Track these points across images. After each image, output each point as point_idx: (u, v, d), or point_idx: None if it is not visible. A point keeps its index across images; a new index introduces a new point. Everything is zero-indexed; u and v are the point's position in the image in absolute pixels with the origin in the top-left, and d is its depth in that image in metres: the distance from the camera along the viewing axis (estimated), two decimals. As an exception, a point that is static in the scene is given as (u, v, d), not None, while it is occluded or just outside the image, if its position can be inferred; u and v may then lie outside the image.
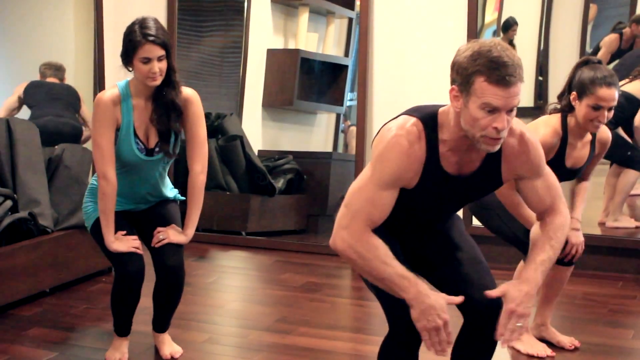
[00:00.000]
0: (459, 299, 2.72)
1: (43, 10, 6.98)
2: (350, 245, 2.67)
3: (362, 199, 2.67)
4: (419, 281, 2.66)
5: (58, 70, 6.63)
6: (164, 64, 3.74)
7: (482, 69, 2.51)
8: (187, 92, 3.89)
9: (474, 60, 2.53)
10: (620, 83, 5.59)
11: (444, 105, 2.72)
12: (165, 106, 3.81)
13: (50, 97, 6.35)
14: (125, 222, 3.95)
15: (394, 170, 2.65)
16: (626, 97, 5.58)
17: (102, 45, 6.80)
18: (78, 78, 6.85)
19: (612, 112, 3.79)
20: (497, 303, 2.79)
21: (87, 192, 4.02)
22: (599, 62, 3.87)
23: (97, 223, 3.88)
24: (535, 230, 2.92)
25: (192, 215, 3.99)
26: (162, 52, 3.71)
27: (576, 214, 4.04)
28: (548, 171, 2.84)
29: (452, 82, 2.61)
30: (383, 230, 2.77)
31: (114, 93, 3.80)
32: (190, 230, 3.97)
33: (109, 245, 3.82)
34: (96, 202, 3.88)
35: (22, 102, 6.40)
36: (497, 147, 2.63)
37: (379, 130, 2.77)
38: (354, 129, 7.08)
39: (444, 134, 2.69)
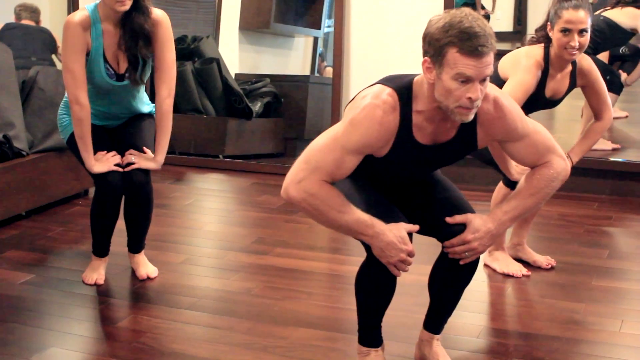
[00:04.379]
0: (416, 227, 2.76)
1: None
2: (304, 198, 2.65)
3: (327, 159, 2.65)
4: (376, 221, 2.68)
5: (34, 12, 6.53)
6: None
7: (454, 40, 2.49)
8: (157, 13, 3.81)
9: (445, 31, 2.51)
10: (600, 10, 5.56)
11: (418, 75, 2.70)
12: (133, 32, 3.74)
13: (25, 39, 6.25)
14: (105, 135, 3.95)
15: (364, 138, 2.64)
16: (607, 23, 5.55)
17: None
18: (53, 21, 6.75)
19: (586, 36, 3.75)
20: None
21: (62, 104, 3.98)
22: None
23: (73, 136, 3.85)
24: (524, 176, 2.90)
25: (161, 141, 3.92)
26: None
27: (572, 151, 4.01)
28: (533, 129, 2.80)
29: (425, 53, 2.59)
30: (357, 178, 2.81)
31: (84, 16, 3.71)
32: (161, 156, 3.91)
33: (90, 168, 3.80)
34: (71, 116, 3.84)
35: None
36: (472, 116, 2.61)
37: (354, 97, 2.76)
38: (329, 69, 7.02)
39: (419, 105, 2.68)
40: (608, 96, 4.03)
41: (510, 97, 2.81)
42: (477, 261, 2.90)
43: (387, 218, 2.73)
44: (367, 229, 2.68)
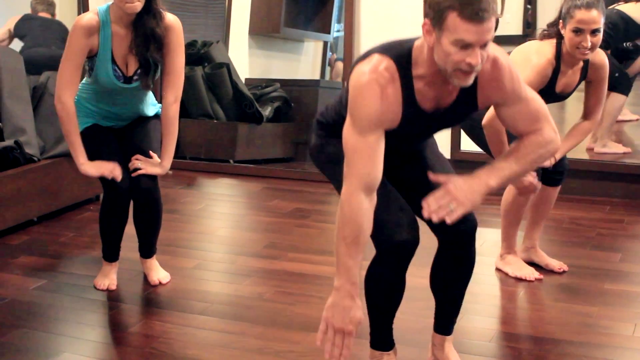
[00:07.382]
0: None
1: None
2: (340, 202, 2.62)
3: (349, 152, 2.61)
4: (355, 287, 2.59)
5: (50, 5, 6.54)
6: None
7: (454, 4, 2.44)
8: (170, 18, 3.81)
9: None
10: (614, 4, 5.52)
11: (418, 38, 2.65)
12: (144, 36, 3.73)
13: (44, 29, 6.26)
14: (111, 136, 3.95)
15: (370, 114, 2.58)
16: (622, 17, 5.51)
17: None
18: (62, 20, 6.76)
19: (598, 36, 3.73)
20: (472, 224, 2.87)
21: None
22: None
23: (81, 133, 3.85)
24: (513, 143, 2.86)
25: (167, 146, 3.90)
26: None
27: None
28: (530, 97, 2.74)
29: (425, 16, 2.55)
30: None
31: (93, 20, 3.70)
32: (167, 161, 3.89)
33: (79, 166, 3.78)
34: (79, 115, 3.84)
35: (12, 35, 6.33)
36: (470, 82, 2.56)
37: (353, 68, 2.68)
38: (340, 64, 7.01)
39: (419, 69, 2.63)
40: (605, 99, 4.03)
41: (510, 59, 2.73)
42: (474, 253, 2.90)
43: (398, 213, 2.74)
44: (345, 282, 2.59)
